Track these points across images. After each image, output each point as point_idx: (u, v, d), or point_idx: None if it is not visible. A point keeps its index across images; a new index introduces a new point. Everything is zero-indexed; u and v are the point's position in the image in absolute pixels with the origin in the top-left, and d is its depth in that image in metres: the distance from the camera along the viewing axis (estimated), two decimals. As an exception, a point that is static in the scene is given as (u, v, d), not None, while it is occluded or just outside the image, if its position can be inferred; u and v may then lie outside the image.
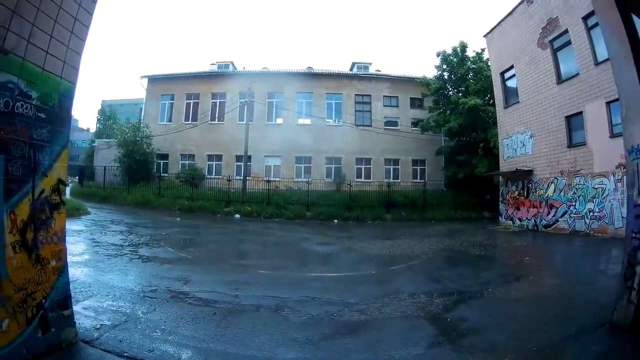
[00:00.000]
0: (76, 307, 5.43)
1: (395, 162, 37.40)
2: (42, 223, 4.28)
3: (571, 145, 21.10)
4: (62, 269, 4.64)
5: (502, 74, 27.05)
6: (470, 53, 34.19)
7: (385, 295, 8.31)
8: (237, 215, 25.87)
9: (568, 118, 21.23)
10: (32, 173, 4.10)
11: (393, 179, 35.66)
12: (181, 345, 5.24)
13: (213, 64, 41.66)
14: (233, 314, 6.77)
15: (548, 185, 22.48)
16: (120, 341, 5.09)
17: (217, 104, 36.96)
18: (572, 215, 20.59)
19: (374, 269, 11.76)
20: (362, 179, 35.44)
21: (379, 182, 33.07)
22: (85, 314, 5.95)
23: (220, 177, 31.60)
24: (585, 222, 19.65)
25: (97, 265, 9.62)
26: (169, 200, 27.84)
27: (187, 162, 36.17)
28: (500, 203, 27.17)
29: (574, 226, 20.30)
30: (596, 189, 19.14)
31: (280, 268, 11.35)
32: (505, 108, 26.73)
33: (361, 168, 36.82)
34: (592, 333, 6.16)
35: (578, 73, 20.09)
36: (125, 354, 4.74)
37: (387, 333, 6.23)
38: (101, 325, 5.58)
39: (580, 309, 7.48)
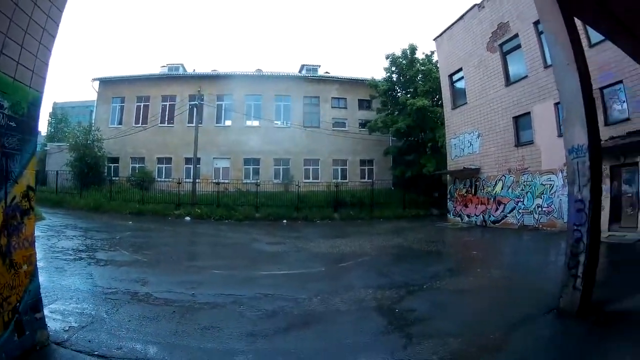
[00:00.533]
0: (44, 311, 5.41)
1: (343, 162, 37.75)
2: (14, 229, 4.31)
3: (519, 144, 21.89)
4: (33, 273, 4.66)
5: (451, 76, 27.60)
6: (419, 55, 34.63)
7: (335, 290, 8.46)
8: (188, 218, 25.72)
9: (516, 118, 21.97)
10: (4, 181, 4.13)
11: (341, 179, 36.04)
12: (146, 342, 5.34)
13: (164, 66, 40.88)
14: (191, 311, 6.88)
15: (496, 183, 23.12)
16: (89, 341, 5.14)
17: (167, 106, 36.29)
18: (520, 210, 21.36)
19: (323, 266, 11.90)
20: (311, 180, 35.68)
21: (327, 183, 33.35)
22: (53, 317, 5.95)
23: (170, 179, 31.10)
24: (534, 217, 20.50)
25: (57, 269, 9.53)
26: (120, 204, 27.35)
27: (137, 165, 35.47)
28: (448, 200, 27.67)
29: (523, 221, 21.08)
30: (544, 185, 19.99)
31: (233, 268, 11.39)
32: (453, 109, 27.32)
33: (309, 169, 37.03)
34: (540, 318, 6.47)
35: (527, 75, 20.91)
36: (95, 353, 4.81)
37: (338, 324, 6.45)
38: (69, 327, 5.62)
39: (528, 297, 7.78)
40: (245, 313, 6.86)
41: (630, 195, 16.46)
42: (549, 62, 18.51)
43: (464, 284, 9.30)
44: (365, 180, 36.45)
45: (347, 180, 35.97)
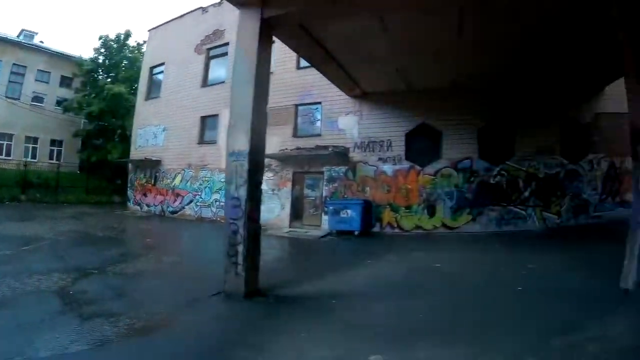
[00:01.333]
0: None
1: (35, 140, 34.01)
2: None
3: (202, 142, 22.17)
4: None
5: (152, 68, 26.61)
6: (132, 42, 34.20)
7: (13, 273, 8.38)
8: None
9: (203, 118, 22.21)
10: None
11: (32, 158, 32.30)
12: None
13: None
14: None
15: (175, 176, 23.11)
16: None
17: None
18: (198, 203, 21.64)
19: (7, 249, 11.30)
20: (3, 157, 31.46)
21: (17, 161, 29.92)
22: None
23: None
24: (211, 210, 20.86)
25: None
26: None
27: None
28: (129, 189, 26.74)
29: (201, 213, 21.34)
30: (223, 182, 20.73)
31: None
32: (146, 100, 26.35)
33: (3, 144, 32.37)
34: (207, 300, 6.96)
35: (224, 81, 20.58)
36: None
37: (18, 307, 6.49)
38: None
39: (198, 281, 8.17)
40: None
41: (314, 198, 17.97)
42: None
43: (137, 269, 9.70)
44: (54, 161, 33.66)
45: (37, 160, 32.59)
